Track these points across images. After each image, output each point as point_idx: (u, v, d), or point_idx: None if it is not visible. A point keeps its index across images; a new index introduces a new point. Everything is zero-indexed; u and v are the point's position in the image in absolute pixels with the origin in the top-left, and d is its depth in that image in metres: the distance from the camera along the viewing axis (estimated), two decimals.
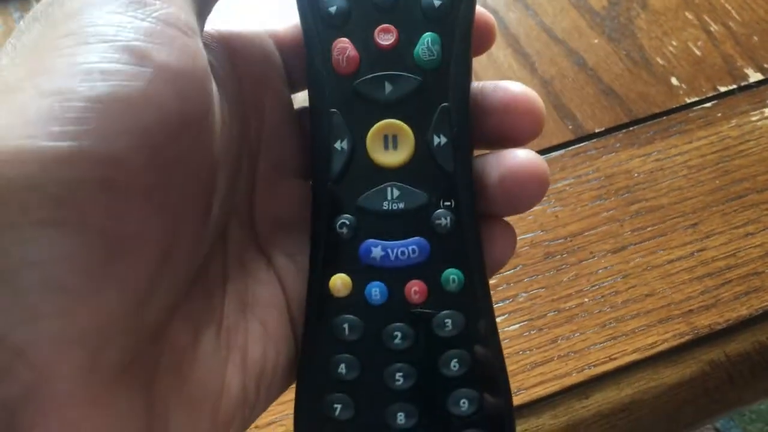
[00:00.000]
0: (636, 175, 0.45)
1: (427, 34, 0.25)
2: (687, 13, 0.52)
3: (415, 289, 0.25)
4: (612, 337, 0.40)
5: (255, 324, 0.25)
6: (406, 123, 0.25)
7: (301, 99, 0.28)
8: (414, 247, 0.25)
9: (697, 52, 0.50)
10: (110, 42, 0.19)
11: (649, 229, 0.43)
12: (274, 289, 0.26)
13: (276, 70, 0.27)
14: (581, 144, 0.47)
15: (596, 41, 0.51)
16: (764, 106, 0.48)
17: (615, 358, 0.39)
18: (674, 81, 0.49)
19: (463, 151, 0.26)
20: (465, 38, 0.26)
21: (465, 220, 0.26)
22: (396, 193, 0.26)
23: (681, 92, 0.49)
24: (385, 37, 0.25)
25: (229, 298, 0.25)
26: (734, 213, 0.43)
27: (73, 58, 0.19)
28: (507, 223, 0.27)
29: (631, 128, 0.47)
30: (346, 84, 0.26)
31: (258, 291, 0.26)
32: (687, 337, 0.39)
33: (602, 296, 0.41)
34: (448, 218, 0.25)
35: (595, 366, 0.39)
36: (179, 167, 0.21)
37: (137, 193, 0.19)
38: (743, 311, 0.40)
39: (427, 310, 0.26)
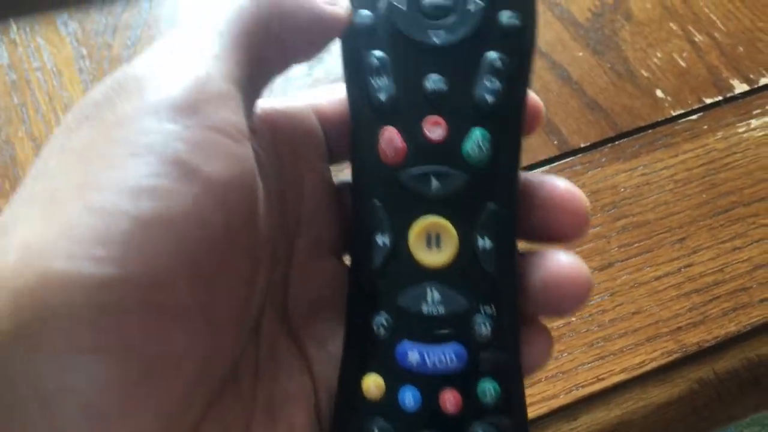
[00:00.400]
0: (622, 190, 0.45)
1: (476, 129, 0.25)
2: (671, 24, 0.52)
3: (450, 398, 0.24)
4: (600, 357, 0.39)
5: (282, 426, 0.25)
6: (450, 222, 0.25)
7: (340, 169, 0.28)
8: (451, 354, 0.25)
9: (682, 64, 0.50)
10: (159, 154, 0.19)
11: (635, 245, 0.43)
12: (303, 383, 0.26)
13: (318, 147, 0.27)
14: (567, 159, 0.46)
15: (580, 54, 0.51)
16: (750, 118, 0.47)
17: (603, 379, 0.39)
18: (659, 93, 0.49)
19: (508, 256, 0.25)
20: (515, 135, 0.25)
21: (505, 328, 0.25)
22: (436, 296, 0.25)
23: (666, 105, 0.48)
24: (434, 129, 0.25)
25: (259, 395, 0.24)
26: (721, 227, 0.43)
27: (122, 172, 0.19)
28: (544, 327, 0.26)
29: (616, 142, 0.47)
30: (392, 175, 0.25)
31: (288, 386, 0.25)
32: (675, 356, 0.39)
33: (589, 315, 0.41)
34: (488, 325, 0.25)
35: (583, 387, 0.38)
36: (222, 281, 0.20)
37: (179, 315, 0.19)
38: (731, 328, 0.40)
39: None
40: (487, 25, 0.25)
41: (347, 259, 0.28)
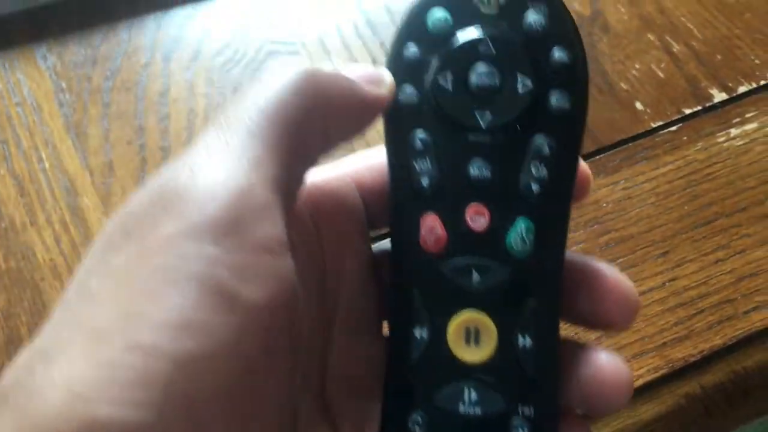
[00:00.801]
0: (604, 204, 0.45)
1: (521, 220, 0.24)
2: (649, 35, 0.52)
3: None
4: None
5: None
6: (490, 317, 0.24)
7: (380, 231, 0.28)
8: None
9: (661, 75, 0.50)
10: (200, 282, 0.19)
11: (620, 260, 0.43)
12: None
13: (358, 223, 0.27)
14: None
15: None
16: (730, 127, 0.48)
17: None
18: (639, 105, 0.49)
19: (549, 356, 0.25)
20: (562, 226, 0.25)
21: (544, 430, 0.25)
22: (473, 395, 0.24)
23: (646, 117, 0.49)
24: (477, 219, 0.24)
25: None
26: (704, 239, 0.43)
27: (163, 305, 0.18)
28: (582, 422, 0.26)
29: (597, 157, 0.47)
30: (432, 264, 0.25)
31: None
32: (662, 372, 0.39)
33: (575, 333, 0.41)
34: (526, 429, 0.24)
35: None
36: (260, 402, 0.20)
37: None
38: (717, 341, 0.40)
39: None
40: (536, 108, 0.24)
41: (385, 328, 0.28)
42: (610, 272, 0.25)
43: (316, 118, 0.23)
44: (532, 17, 0.25)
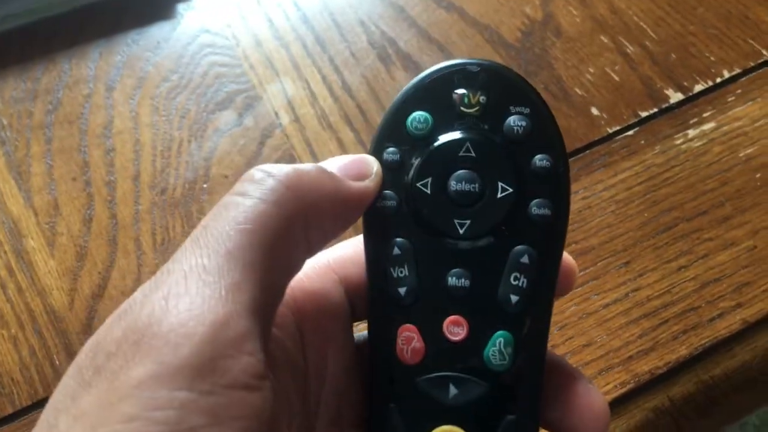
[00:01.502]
0: None
1: (499, 333, 0.24)
2: (602, 37, 0.52)
3: None
4: None
5: None
6: None
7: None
8: None
9: (616, 78, 0.50)
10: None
11: (581, 273, 0.42)
12: None
13: (342, 321, 0.26)
14: None
15: None
16: (687, 128, 0.47)
17: None
18: (594, 111, 0.48)
19: None
20: (542, 340, 0.24)
21: None
22: None
23: (602, 122, 0.48)
24: (455, 330, 0.24)
25: None
26: (665, 246, 0.43)
27: None
28: None
29: None
30: (409, 377, 0.24)
31: None
32: (629, 386, 0.38)
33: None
34: None
35: None
36: None
37: None
38: (683, 351, 0.39)
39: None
40: (516, 215, 0.24)
41: None
42: (583, 383, 0.25)
43: (299, 227, 0.22)
44: (515, 120, 0.24)
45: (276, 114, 0.50)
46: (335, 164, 0.24)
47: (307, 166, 0.23)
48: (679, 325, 0.40)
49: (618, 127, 0.47)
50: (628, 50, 0.51)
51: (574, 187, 0.45)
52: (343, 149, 0.48)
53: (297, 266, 0.23)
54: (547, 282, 0.24)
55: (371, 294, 0.25)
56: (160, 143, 0.48)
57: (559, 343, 0.40)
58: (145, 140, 0.48)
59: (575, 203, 0.44)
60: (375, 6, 0.55)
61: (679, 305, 0.41)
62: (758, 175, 0.44)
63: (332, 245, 0.28)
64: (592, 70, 0.50)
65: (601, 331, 0.40)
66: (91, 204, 0.46)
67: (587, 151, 0.47)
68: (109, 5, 0.55)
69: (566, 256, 0.25)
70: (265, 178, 0.22)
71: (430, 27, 0.53)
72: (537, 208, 0.24)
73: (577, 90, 0.49)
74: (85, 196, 0.46)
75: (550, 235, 0.24)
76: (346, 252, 0.27)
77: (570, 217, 0.43)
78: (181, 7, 0.56)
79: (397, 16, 0.54)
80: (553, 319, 0.40)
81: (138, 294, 0.20)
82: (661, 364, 0.39)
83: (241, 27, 0.54)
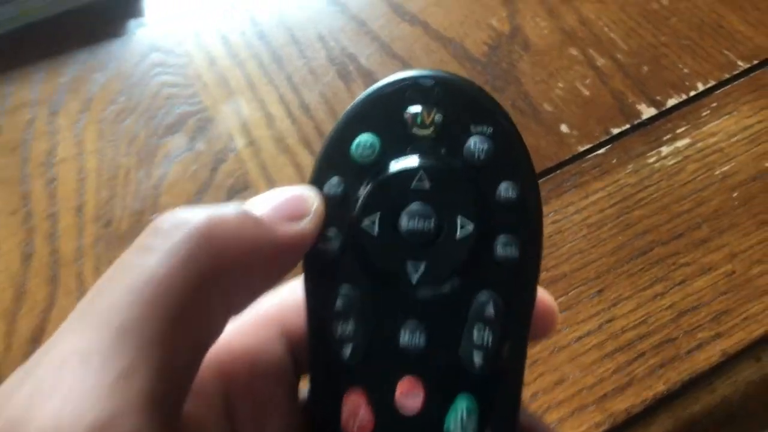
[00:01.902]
0: None
1: (461, 397, 0.20)
2: (571, 50, 0.49)
3: None
4: None
5: None
6: None
7: None
8: None
9: (586, 92, 0.47)
10: None
11: None
12: None
13: (283, 383, 0.23)
14: None
15: None
16: (660, 145, 0.45)
17: None
18: (564, 128, 0.46)
19: None
20: (512, 405, 0.21)
21: None
22: None
23: (572, 140, 0.45)
24: (409, 397, 0.20)
25: None
26: (640, 272, 0.40)
27: None
28: None
29: None
30: None
31: None
32: (603, 428, 0.36)
33: None
34: None
35: None
36: None
37: None
38: (660, 387, 0.37)
39: None
40: (479, 256, 0.21)
41: None
42: None
43: (216, 288, 0.18)
44: (476, 143, 0.21)
45: (230, 137, 0.47)
46: (264, 204, 0.21)
47: (227, 209, 0.19)
48: (656, 358, 0.38)
49: (589, 145, 0.45)
50: (599, 63, 0.48)
51: (544, 209, 0.43)
52: (301, 174, 0.45)
53: (215, 334, 0.20)
54: (518, 335, 0.21)
55: (311, 353, 0.22)
56: (105, 171, 0.45)
57: (530, 380, 0.38)
58: (90, 168, 0.46)
59: (546, 227, 0.42)
60: (335, 20, 0.52)
61: (656, 336, 0.38)
62: (735, 194, 0.42)
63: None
64: (561, 85, 0.48)
65: (574, 367, 0.38)
66: (31, 239, 0.43)
67: (557, 171, 0.44)
68: (54, 23, 0.52)
69: (544, 294, 0.22)
70: (173, 230, 0.18)
71: (392, 41, 0.51)
72: (503, 246, 0.21)
73: (546, 106, 0.47)
74: (25, 231, 0.43)
75: (520, 279, 0.21)
76: (290, 297, 0.24)
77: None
78: (132, 24, 0.53)
79: (358, 30, 0.51)
80: None
81: (4, 388, 0.16)
82: (638, 402, 0.37)
83: (194, 44, 0.51)
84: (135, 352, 0.16)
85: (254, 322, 0.23)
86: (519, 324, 0.21)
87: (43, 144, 0.47)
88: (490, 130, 0.21)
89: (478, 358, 0.20)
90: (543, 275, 0.41)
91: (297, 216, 0.20)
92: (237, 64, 0.50)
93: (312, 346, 0.22)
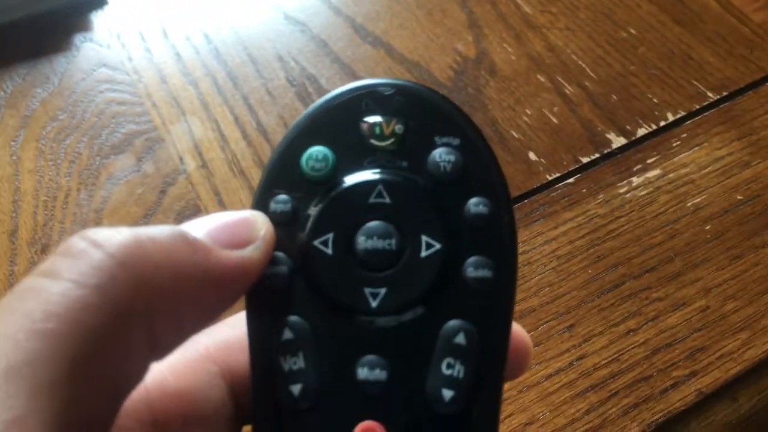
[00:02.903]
0: None
1: None
2: (539, 76, 0.48)
3: None
4: None
5: None
6: None
7: None
8: None
9: (554, 120, 0.46)
10: None
11: None
12: None
13: (223, 430, 0.20)
14: None
15: None
16: (631, 175, 0.43)
17: None
18: (532, 156, 0.44)
19: None
20: None
21: None
22: None
23: (541, 168, 0.44)
24: None
25: None
26: (612, 307, 0.38)
27: None
28: None
29: None
30: None
31: None
32: None
33: None
34: None
35: None
36: None
37: None
38: (634, 429, 0.35)
39: None
40: (447, 278, 0.18)
41: None
42: None
43: (137, 322, 0.16)
44: (441, 155, 0.19)
45: (180, 159, 0.44)
46: (204, 227, 0.18)
47: (157, 230, 0.16)
48: (629, 398, 0.36)
49: (558, 174, 0.43)
50: (567, 91, 0.47)
51: None
52: None
53: (134, 379, 0.17)
54: (493, 368, 0.18)
55: (255, 395, 0.19)
56: (44, 192, 0.42)
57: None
58: (27, 189, 0.42)
59: None
60: (295, 40, 0.50)
61: (629, 375, 0.36)
62: (708, 227, 0.41)
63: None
64: (529, 112, 0.46)
65: (544, 407, 0.36)
66: None
67: (525, 201, 0.42)
68: None
69: (517, 328, 0.20)
70: (88, 250, 0.15)
71: (354, 63, 0.49)
72: (474, 268, 0.18)
73: (514, 133, 0.45)
74: None
75: (494, 305, 0.19)
76: (233, 333, 0.21)
77: None
78: (77, 38, 0.50)
79: (318, 51, 0.49)
80: None
81: None
82: None
83: (144, 61, 0.49)
84: (25, 400, 0.13)
85: (190, 362, 0.20)
86: (494, 356, 0.19)
87: None
88: (456, 141, 0.19)
89: (448, 396, 0.18)
90: None
91: (241, 242, 0.18)
92: (190, 83, 0.47)
93: (256, 387, 0.19)
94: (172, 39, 0.50)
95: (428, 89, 0.20)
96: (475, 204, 0.19)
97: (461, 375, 0.18)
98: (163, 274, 0.16)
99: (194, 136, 0.45)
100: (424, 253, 0.18)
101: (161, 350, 0.17)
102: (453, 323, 0.18)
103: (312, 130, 0.19)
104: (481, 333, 0.18)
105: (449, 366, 0.18)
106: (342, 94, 0.20)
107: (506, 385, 0.36)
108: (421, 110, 0.20)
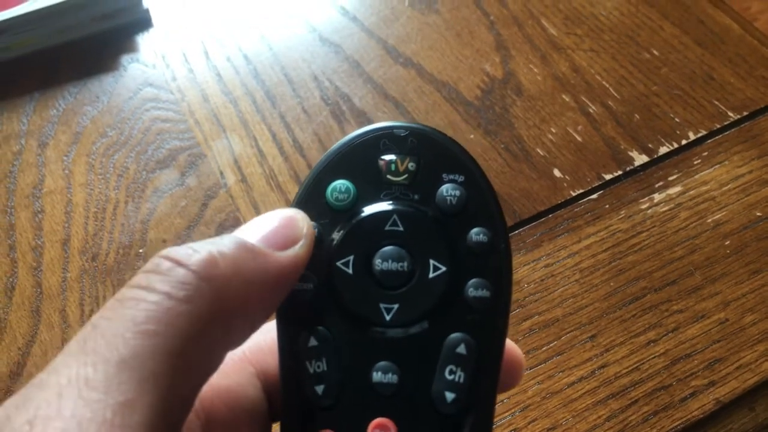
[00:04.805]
0: (526, 285, 0.41)
1: None
2: (564, 96, 0.50)
3: None
4: None
5: None
6: None
7: None
8: None
9: (578, 138, 0.48)
10: None
11: (544, 348, 0.39)
12: None
13: (259, 423, 0.23)
14: None
15: (472, 136, 0.48)
16: (653, 192, 0.45)
17: None
18: (557, 173, 0.46)
19: None
20: None
21: None
22: None
23: (565, 185, 0.45)
24: None
25: None
26: (633, 318, 0.40)
27: None
28: None
29: (516, 231, 0.44)
30: None
31: None
32: None
33: None
34: None
35: None
36: None
37: None
38: None
39: None
40: (451, 297, 0.21)
41: None
42: None
43: (217, 324, 0.18)
44: (448, 190, 0.22)
45: (221, 173, 0.47)
46: (257, 233, 0.20)
47: (224, 245, 0.19)
48: (649, 406, 0.37)
49: (581, 190, 0.45)
50: (591, 110, 0.49)
51: (536, 254, 0.43)
52: None
53: (212, 369, 0.19)
54: (489, 375, 0.21)
55: (284, 393, 0.22)
56: (93, 204, 0.45)
57: (522, 426, 0.37)
58: (78, 201, 0.45)
59: (538, 271, 0.42)
60: (329, 61, 0.52)
61: (649, 383, 0.38)
62: (727, 242, 0.42)
63: None
64: (554, 130, 0.48)
65: (567, 413, 0.37)
66: (15, 271, 0.42)
67: (550, 215, 0.44)
68: (47, 55, 0.52)
69: (511, 345, 0.23)
70: (174, 269, 0.18)
71: (386, 83, 0.51)
72: (474, 289, 0.21)
73: (539, 150, 0.47)
74: (8, 262, 0.42)
75: (490, 321, 0.21)
76: (265, 339, 0.24)
77: (532, 286, 0.41)
78: (124, 59, 0.53)
79: (352, 71, 0.52)
80: (515, 399, 0.37)
81: (3, 410, 0.16)
82: None
83: (187, 81, 0.51)
84: (136, 386, 0.16)
85: (233, 363, 0.23)
86: (490, 364, 0.21)
87: (30, 176, 0.46)
88: (461, 178, 0.22)
89: (450, 398, 0.21)
90: (535, 319, 0.40)
91: (290, 242, 0.21)
92: (230, 102, 0.50)
93: (284, 386, 0.22)
94: (213, 60, 0.52)
95: (438, 132, 0.23)
96: (476, 233, 0.21)
97: (462, 380, 0.21)
98: (234, 282, 0.19)
99: (234, 152, 0.47)
100: (431, 275, 0.21)
101: (235, 343, 0.20)
102: (455, 335, 0.21)
103: (336, 165, 0.22)
104: (479, 344, 0.21)
105: (451, 372, 0.21)
106: (362, 134, 0.23)
107: (530, 392, 0.37)
108: (432, 150, 0.22)
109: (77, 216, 0.44)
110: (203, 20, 0.55)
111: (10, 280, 0.42)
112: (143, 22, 0.55)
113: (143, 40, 0.54)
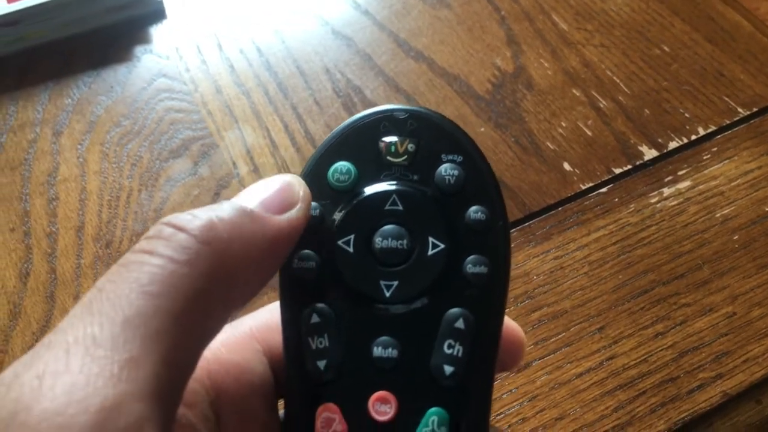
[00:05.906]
0: (535, 277, 0.42)
1: (433, 411, 0.21)
2: (574, 90, 0.50)
3: None
4: None
5: None
6: None
7: None
8: None
9: (588, 132, 0.48)
10: None
11: (553, 339, 0.40)
12: None
13: (264, 397, 0.23)
14: None
15: (483, 129, 0.48)
16: (662, 186, 0.45)
17: None
18: (567, 166, 0.46)
19: None
20: (482, 417, 0.21)
21: None
22: None
23: (575, 178, 0.46)
24: (382, 408, 0.21)
25: None
26: (641, 311, 0.40)
27: None
28: None
29: (526, 224, 0.44)
30: None
31: None
32: None
33: (508, 425, 0.37)
34: None
35: None
36: None
37: None
38: (661, 426, 0.37)
39: None
40: (449, 274, 0.22)
41: None
42: None
43: (217, 287, 0.19)
44: (446, 170, 0.22)
45: (233, 163, 0.47)
46: (255, 198, 0.21)
47: (223, 211, 0.20)
48: (656, 397, 0.37)
49: (591, 184, 0.45)
50: (601, 105, 0.49)
51: (545, 246, 0.43)
52: None
53: (214, 332, 0.20)
54: (487, 349, 0.22)
55: (288, 368, 0.22)
56: (107, 192, 0.45)
57: (530, 415, 0.37)
58: (92, 189, 0.45)
59: (547, 263, 0.42)
60: (341, 53, 0.53)
61: (657, 375, 0.38)
62: (736, 237, 0.43)
63: (255, 309, 0.25)
64: (564, 124, 0.48)
65: (575, 403, 0.37)
66: (29, 257, 0.43)
67: (560, 208, 0.44)
68: (62, 45, 0.52)
69: (512, 324, 0.23)
70: (175, 234, 0.18)
71: (397, 76, 0.51)
72: (472, 265, 0.22)
73: (549, 144, 0.47)
74: (23, 249, 0.43)
75: (488, 296, 0.22)
76: (271, 317, 0.24)
77: (541, 277, 0.41)
78: (138, 50, 0.53)
79: (363, 64, 0.52)
80: (523, 389, 0.37)
81: (8, 372, 0.16)
82: None
83: (200, 72, 0.52)
84: (140, 343, 0.17)
85: (240, 340, 0.24)
86: (488, 338, 0.22)
87: (45, 163, 0.46)
88: (459, 158, 0.22)
89: (448, 371, 0.21)
90: (545, 310, 0.40)
91: (287, 206, 0.21)
92: (243, 93, 0.50)
93: (288, 361, 0.22)
94: (226, 52, 0.53)
95: (437, 114, 0.23)
96: (474, 211, 0.22)
97: (460, 354, 0.21)
98: (234, 246, 0.19)
99: (246, 143, 0.48)
100: (430, 252, 0.22)
101: (236, 306, 0.20)
102: (454, 311, 0.21)
103: (337, 147, 0.23)
104: (477, 319, 0.21)
105: (450, 346, 0.21)
106: (363, 117, 0.23)
107: (538, 383, 0.38)
108: (430, 131, 0.23)
109: (91, 204, 0.45)
110: (216, 13, 0.56)
111: (25, 265, 0.42)
112: (157, 14, 0.55)
113: (157, 31, 0.55)
